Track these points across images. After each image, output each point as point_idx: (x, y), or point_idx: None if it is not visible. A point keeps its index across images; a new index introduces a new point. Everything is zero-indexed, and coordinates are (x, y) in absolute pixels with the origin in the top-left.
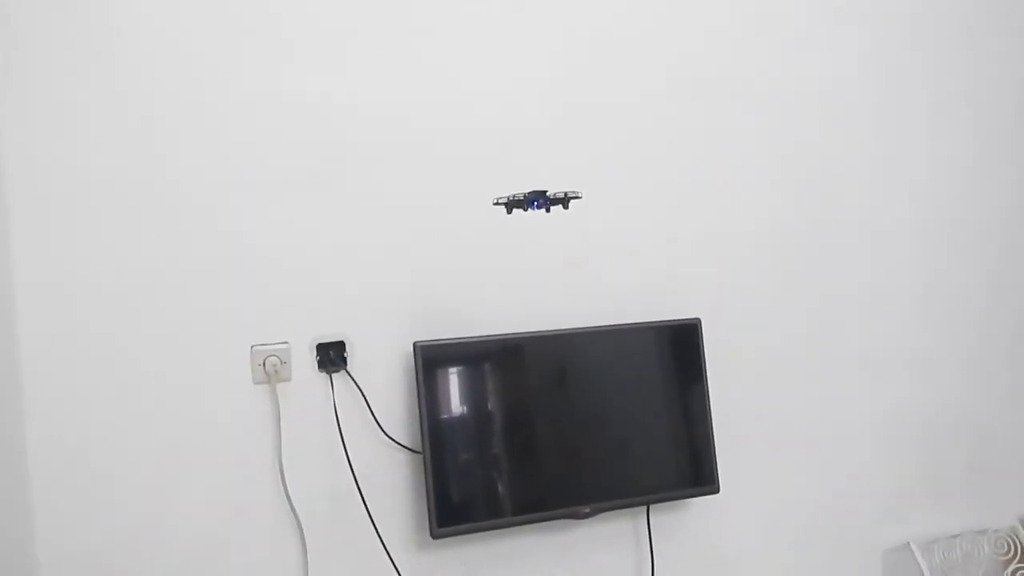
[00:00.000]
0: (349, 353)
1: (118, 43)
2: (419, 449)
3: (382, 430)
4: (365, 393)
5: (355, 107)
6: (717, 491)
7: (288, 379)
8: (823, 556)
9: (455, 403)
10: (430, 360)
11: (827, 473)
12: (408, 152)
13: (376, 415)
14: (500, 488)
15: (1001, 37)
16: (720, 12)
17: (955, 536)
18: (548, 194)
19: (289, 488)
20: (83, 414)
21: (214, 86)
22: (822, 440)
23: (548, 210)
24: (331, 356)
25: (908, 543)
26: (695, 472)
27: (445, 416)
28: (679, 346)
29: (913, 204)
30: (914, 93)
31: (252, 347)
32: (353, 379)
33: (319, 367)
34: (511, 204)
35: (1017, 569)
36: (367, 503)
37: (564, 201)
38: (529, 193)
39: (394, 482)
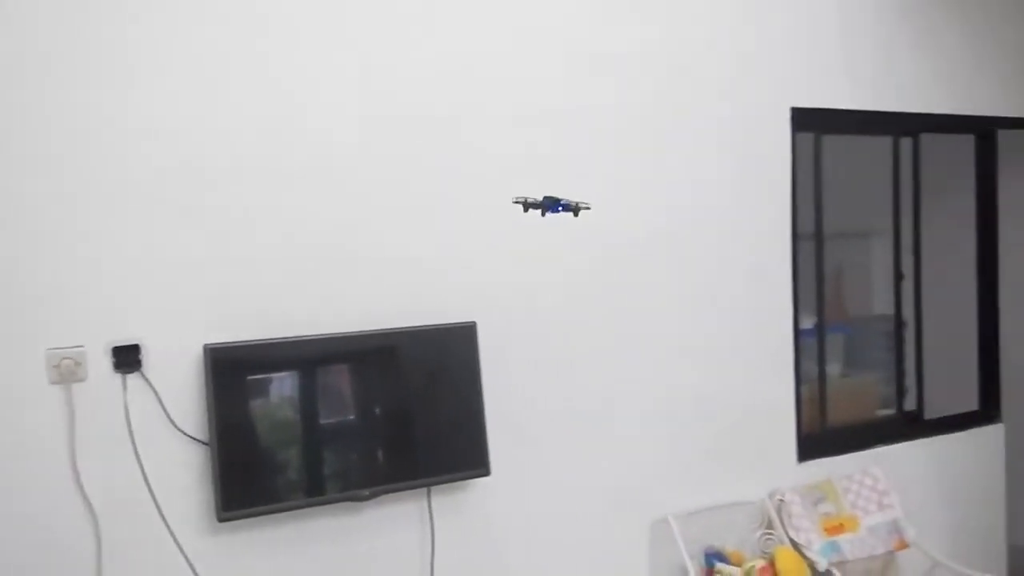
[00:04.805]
0: (144, 355)
1: None
2: (208, 441)
3: (174, 424)
4: (161, 391)
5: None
6: (488, 473)
7: (83, 379)
8: (595, 530)
9: (243, 398)
10: (219, 361)
11: (601, 455)
12: (201, 166)
13: (171, 411)
14: (285, 475)
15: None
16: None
17: (713, 508)
18: (563, 201)
19: (84, 482)
20: None
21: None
22: (597, 426)
23: (576, 215)
24: (126, 358)
25: (667, 516)
26: (468, 457)
27: (234, 409)
28: (457, 345)
29: (680, 221)
30: (671, 125)
31: (47, 350)
32: (146, 379)
33: (115, 368)
34: (528, 204)
35: (764, 535)
36: (156, 493)
37: (575, 210)
38: (545, 198)
39: (189, 473)
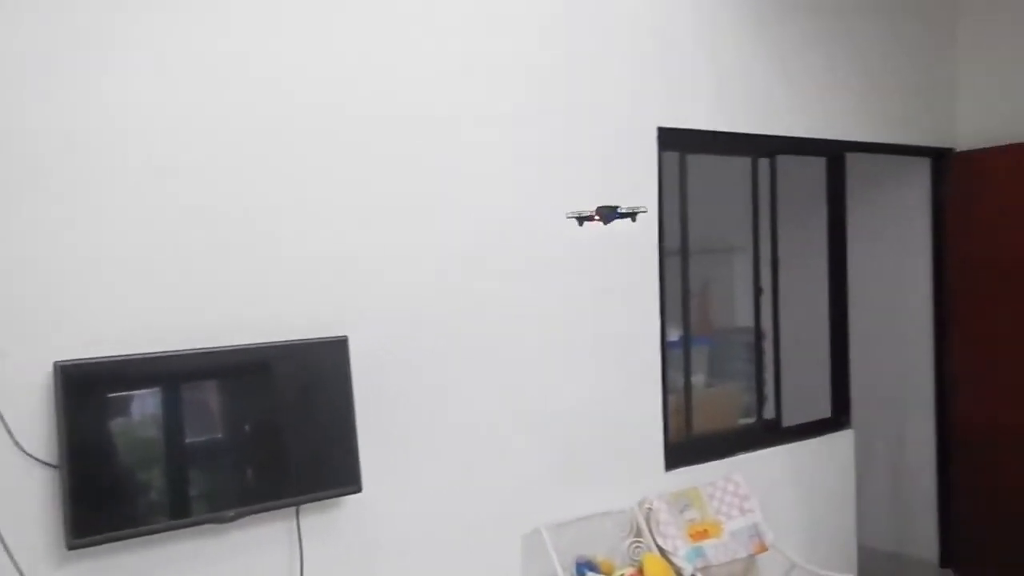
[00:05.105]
0: None
1: None
2: (58, 463)
3: (19, 447)
4: (5, 411)
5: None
6: (359, 489)
7: None
8: (468, 543)
9: (99, 417)
10: (72, 378)
11: (472, 468)
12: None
13: (16, 432)
14: (143, 497)
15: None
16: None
17: (584, 518)
18: (619, 209)
19: None
20: None
21: None
22: (468, 440)
23: (634, 220)
24: None
25: (539, 528)
26: (339, 474)
27: (88, 429)
28: (329, 360)
29: (551, 236)
30: (541, 143)
31: None
32: None
33: None
34: (583, 218)
35: (633, 543)
36: None
37: (633, 215)
38: (599, 208)
39: (36, 499)
